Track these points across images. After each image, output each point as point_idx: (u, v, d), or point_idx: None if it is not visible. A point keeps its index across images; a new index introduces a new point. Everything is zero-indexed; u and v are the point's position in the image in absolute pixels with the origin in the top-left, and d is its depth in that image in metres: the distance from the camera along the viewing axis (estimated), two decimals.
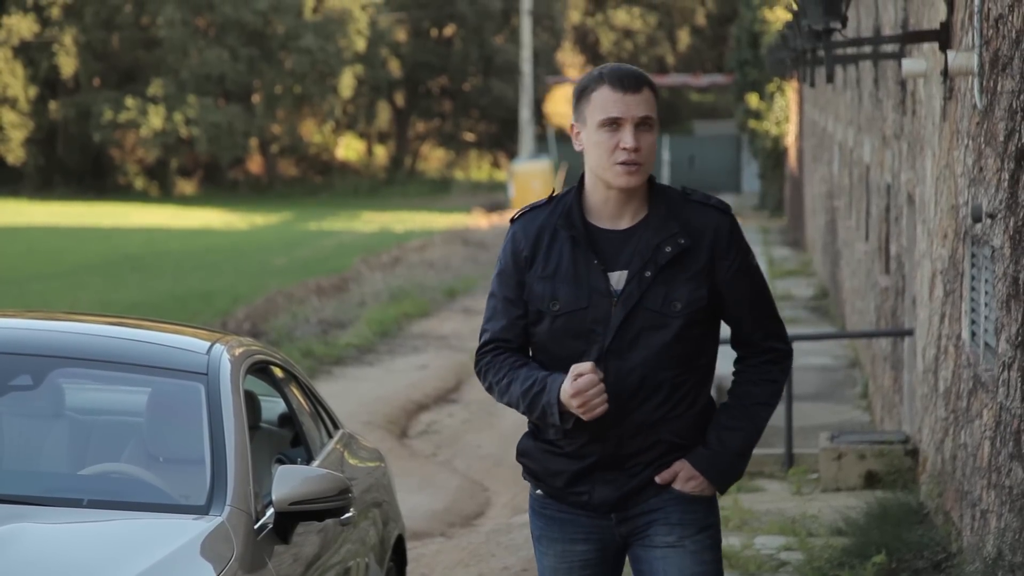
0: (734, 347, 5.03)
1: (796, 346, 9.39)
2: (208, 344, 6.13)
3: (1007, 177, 6.95)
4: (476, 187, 64.40)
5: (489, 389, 5.02)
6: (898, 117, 12.29)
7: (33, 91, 59.26)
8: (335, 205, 55.77)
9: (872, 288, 15.24)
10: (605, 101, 4.84)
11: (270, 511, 5.54)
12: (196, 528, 5.23)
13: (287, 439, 6.74)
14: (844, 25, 10.01)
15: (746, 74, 41.89)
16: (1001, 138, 7.09)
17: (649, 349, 4.82)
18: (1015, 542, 6.72)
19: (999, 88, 7.17)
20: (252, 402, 6.27)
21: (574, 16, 70.89)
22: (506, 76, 63.73)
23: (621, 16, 70.68)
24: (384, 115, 68.45)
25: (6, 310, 6.74)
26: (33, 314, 7.13)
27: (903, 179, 11.96)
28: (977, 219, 7.61)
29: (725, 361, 5.00)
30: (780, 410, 11.71)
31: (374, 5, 62.89)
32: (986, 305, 7.79)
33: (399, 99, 68.23)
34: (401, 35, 65.67)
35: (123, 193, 59.65)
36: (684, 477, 4.91)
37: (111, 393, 6.40)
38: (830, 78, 10.87)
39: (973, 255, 8.27)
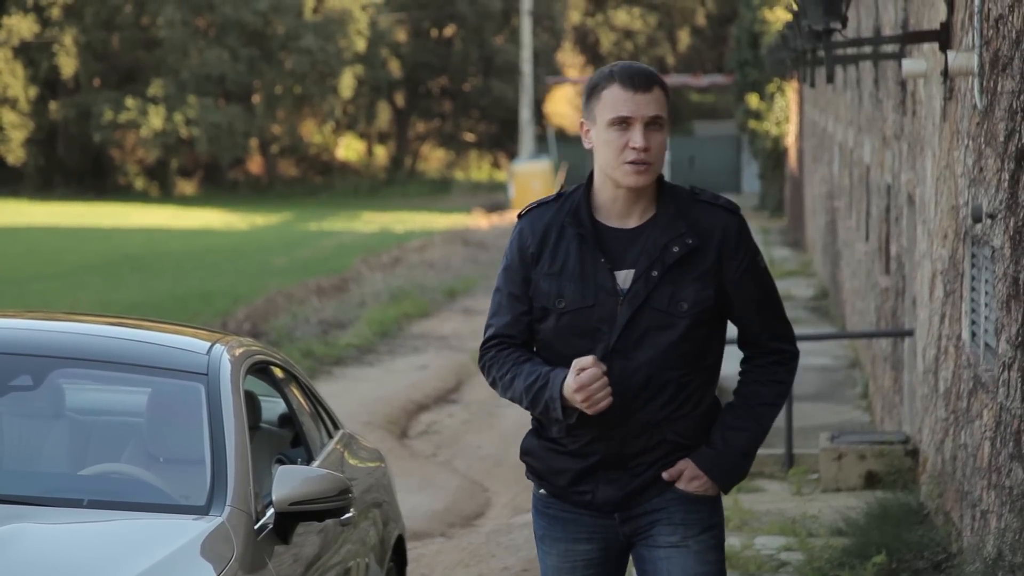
0: (741, 347, 5.01)
1: None
2: (208, 344, 6.13)
3: (1007, 177, 6.95)
4: (476, 187, 64.41)
5: (493, 384, 5.00)
6: (898, 117, 12.29)
7: (33, 91, 59.27)
8: (335, 205, 55.78)
9: (872, 288, 15.24)
10: (615, 100, 4.81)
11: (270, 511, 5.54)
12: (196, 528, 5.23)
13: (287, 439, 6.74)
14: (844, 25, 10.00)
15: (746, 74, 41.89)
16: (1001, 138, 7.08)
17: (655, 349, 4.81)
18: (1015, 542, 6.72)
19: (999, 88, 7.16)
20: (252, 402, 6.27)
21: (574, 16, 70.90)
22: (506, 76, 63.75)
23: (621, 16, 70.70)
24: (384, 115, 68.46)
25: (6, 310, 6.74)
26: (33, 314, 7.13)
27: (903, 179, 11.96)
28: (977, 219, 7.60)
29: (729, 362, 4.98)
30: (780, 410, 11.71)
31: (374, 5, 62.90)
32: (986, 305, 7.79)
33: (399, 99, 68.24)
34: (401, 35, 65.69)
35: (123, 193, 59.66)
36: (688, 477, 4.89)
37: (111, 393, 6.40)
38: (830, 78, 10.87)
39: (973, 255, 8.27)
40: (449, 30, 67.09)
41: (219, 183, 63.06)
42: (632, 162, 4.81)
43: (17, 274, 31.13)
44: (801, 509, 10.77)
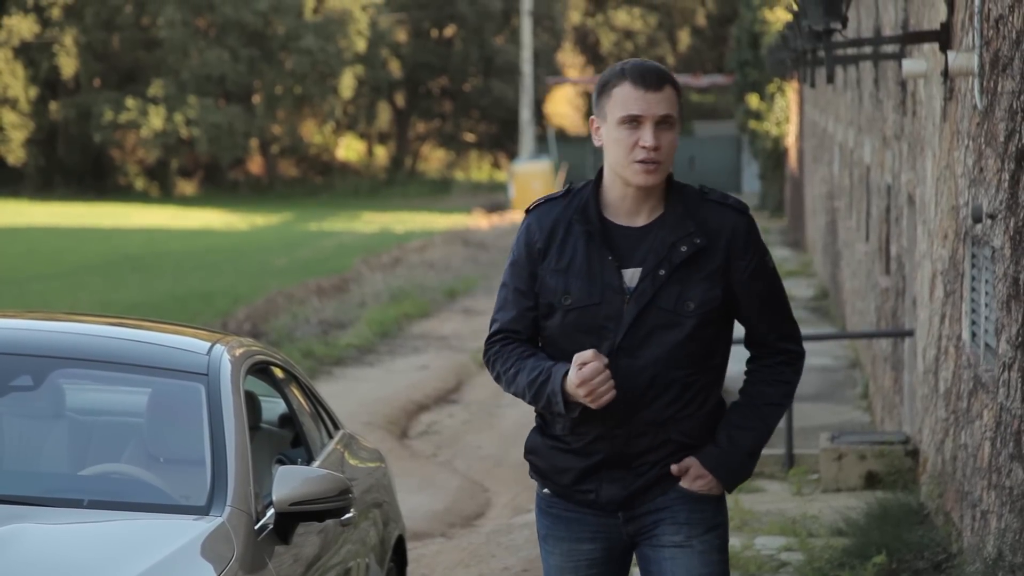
0: (748, 347, 4.99)
1: None
2: (208, 345, 6.13)
3: (1007, 178, 6.95)
4: (476, 188, 64.41)
5: (497, 379, 4.98)
6: (898, 118, 12.29)
7: (34, 92, 59.27)
8: (335, 206, 55.78)
9: (872, 289, 15.24)
10: (626, 98, 4.79)
11: (270, 511, 5.54)
12: (196, 529, 5.22)
13: (287, 439, 6.74)
14: (844, 26, 10.00)
15: (746, 75, 41.88)
16: (1001, 139, 7.09)
17: (661, 348, 4.79)
18: (1015, 543, 6.72)
19: (999, 89, 7.16)
20: (252, 402, 6.27)
21: (574, 17, 70.90)
22: (506, 77, 63.76)
23: (621, 17, 70.70)
24: (384, 116, 68.46)
25: (6, 310, 6.74)
26: (33, 314, 7.13)
27: (903, 180, 11.96)
28: (977, 220, 7.60)
29: (733, 362, 4.97)
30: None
31: (374, 6, 62.90)
32: (986, 306, 7.79)
33: (399, 100, 68.25)
34: (401, 36, 65.69)
35: (123, 194, 59.66)
36: (693, 475, 4.88)
37: (111, 394, 6.40)
38: (830, 79, 10.87)
39: (973, 256, 8.27)
40: (449, 30, 67.10)
41: (219, 183, 63.06)
42: (642, 161, 4.78)
43: (17, 274, 31.13)
44: (801, 509, 10.78)
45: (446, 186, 64.18)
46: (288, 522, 5.55)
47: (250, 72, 60.43)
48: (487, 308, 25.50)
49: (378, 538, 7.00)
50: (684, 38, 71.58)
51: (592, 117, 4.92)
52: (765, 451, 12.54)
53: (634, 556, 5.07)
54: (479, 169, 70.13)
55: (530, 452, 5.02)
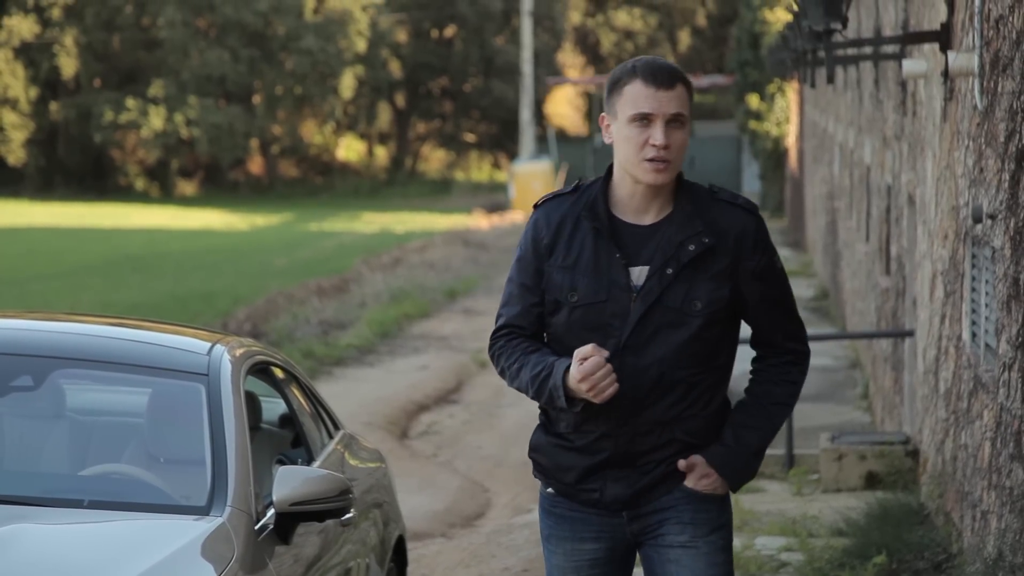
0: (754, 347, 4.98)
1: None
2: (209, 345, 6.13)
3: (1007, 178, 6.95)
4: (477, 188, 64.39)
5: (501, 373, 4.98)
6: (899, 118, 12.29)
7: (34, 92, 59.26)
8: (336, 206, 55.77)
9: (873, 289, 15.24)
10: (637, 96, 4.77)
11: (271, 512, 5.54)
12: (197, 529, 5.23)
13: (288, 440, 6.74)
14: (844, 26, 10.00)
15: (747, 75, 41.88)
16: (1001, 139, 7.09)
17: (667, 347, 4.78)
18: (1015, 543, 6.72)
19: (999, 89, 7.17)
20: (253, 403, 6.27)
21: (574, 17, 70.89)
22: (507, 77, 63.74)
23: (622, 17, 70.68)
24: (385, 116, 68.45)
25: (7, 311, 6.74)
26: (34, 315, 7.14)
27: (904, 180, 11.96)
28: (978, 220, 7.60)
29: (739, 363, 4.96)
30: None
31: (375, 6, 62.89)
32: (986, 306, 7.79)
33: (400, 100, 68.24)
34: (402, 36, 65.68)
35: (124, 194, 59.65)
36: (698, 474, 4.86)
37: (112, 394, 6.40)
38: (830, 79, 10.87)
39: (974, 256, 8.27)
40: (450, 31, 67.09)
41: (220, 184, 63.06)
42: (652, 159, 4.77)
43: (18, 274, 31.13)
44: (801, 510, 10.78)
45: (446, 186, 64.17)
46: (288, 522, 5.55)
47: (250, 72, 60.43)
48: (487, 308, 25.50)
49: (378, 538, 7.00)
50: (684, 38, 71.58)
51: (602, 114, 4.89)
52: (766, 452, 12.58)
53: (637, 556, 5.06)
54: (479, 169, 70.12)
55: (534, 450, 4.99)
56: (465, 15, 64.98)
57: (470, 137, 69.53)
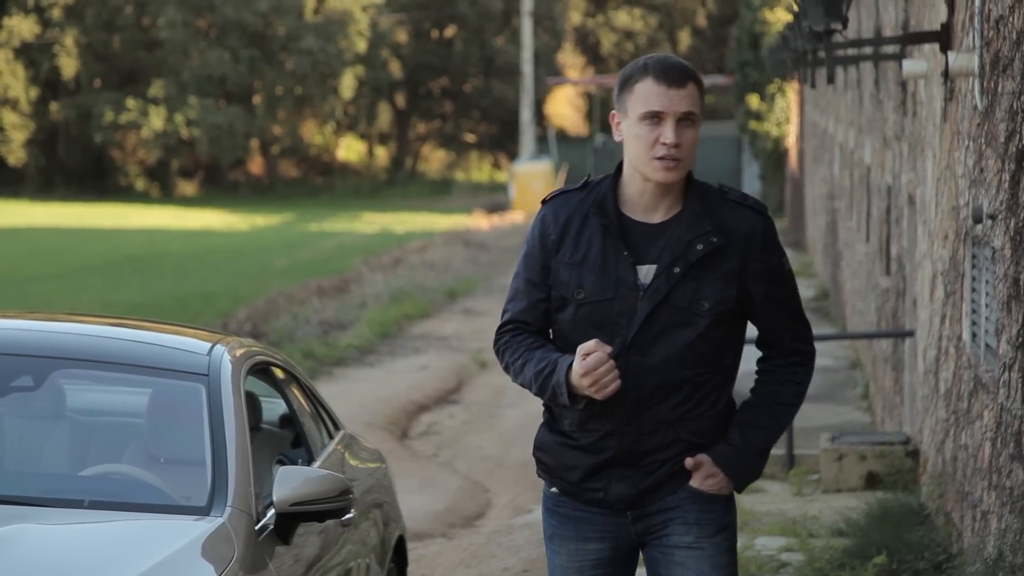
0: (760, 347, 4.96)
1: None
2: (209, 345, 6.13)
3: (1008, 178, 6.95)
4: (477, 188, 64.41)
5: (506, 369, 4.96)
6: (899, 118, 12.29)
7: (34, 92, 59.28)
8: (336, 206, 55.78)
9: (873, 289, 15.24)
10: (648, 94, 4.75)
11: (271, 512, 5.54)
12: (197, 529, 5.23)
13: (288, 440, 6.74)
14: (845, 26, 10.00)
15: (747, 75, 41.86)
16: (1002, 139, 7.09)
17: (673, 346, 4.76)
18: (1016, 543, 6.72)
19: (1000, 89, 7.17)
20: (253, 403, 6.27)
21: (575, 17, 70.89)
22: (507, 77, 63.76)
23: (622, 17, 70.68)
24: (385, 116, 68.47)
25: (7, 311, 6.74)
26: (34, 315, 7.14)
27: (904, 180, 11.97)
28: (978, 220, 7.60)
29: (744, 362, 4.95)
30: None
31: (375, 6, 62.90)
32: (987, 306, 7.79)
33: (400, 100, 68.25)
34: (402, 36, 65.70)
35: (124, 194, 59.66)
36: (704, 474, 4.84)
37: (112, 394, 6.40)
38: (831, 79, 10.87)
39: (974, 256, 8.27)
40: (450, 31, 67.10)
41: (220, 184, 63.07)
42: (662, 158, 4.74)
43: (18, 275, 31.13)
44: (802, 510, 10.78)
45: (446, 187, 64.18)
46: (289, 522, 5.55)
47: (251, 73, 60.44)
48: (487, 309, 25.50)
49: (378, 538, 7.00)
50: (684, 39, 71.57)
51: (613, 112, 4.87)
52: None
53: (640, 556, 5.05)
54: (479, 170, 70.14)
55: (538, 448, 4.97)
56: (465, 15, 65.00)
57: (470, 137, 69.55)
